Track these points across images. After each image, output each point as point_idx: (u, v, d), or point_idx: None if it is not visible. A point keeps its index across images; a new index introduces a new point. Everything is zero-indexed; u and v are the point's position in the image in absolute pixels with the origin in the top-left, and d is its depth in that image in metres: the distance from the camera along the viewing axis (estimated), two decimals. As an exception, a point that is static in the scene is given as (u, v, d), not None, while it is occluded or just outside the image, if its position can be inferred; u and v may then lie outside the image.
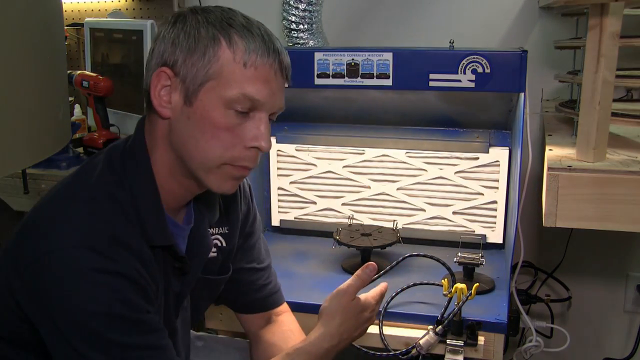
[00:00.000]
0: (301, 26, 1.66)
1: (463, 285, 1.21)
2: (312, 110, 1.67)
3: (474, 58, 1.38)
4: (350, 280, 1.09)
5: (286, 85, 0.93)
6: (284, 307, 1.22)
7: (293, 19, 1.66)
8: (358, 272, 1.09)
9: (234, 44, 0.86)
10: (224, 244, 1.10)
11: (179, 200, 0.96)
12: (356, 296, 1.09)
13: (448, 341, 1.23)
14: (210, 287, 1.10)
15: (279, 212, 1.78)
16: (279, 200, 1.77)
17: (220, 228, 1.09)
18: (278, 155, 1.74)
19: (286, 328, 1.17)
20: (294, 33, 1.67)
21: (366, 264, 1.09)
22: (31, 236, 0.85)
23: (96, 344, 0.82)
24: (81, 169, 0.93)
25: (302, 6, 1.65)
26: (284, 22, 1.68)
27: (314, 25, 1.68)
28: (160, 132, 0.92)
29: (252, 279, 1.17)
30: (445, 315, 1.24)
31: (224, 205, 1.09)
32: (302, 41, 1.68)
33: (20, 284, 0.84)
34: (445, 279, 1.27)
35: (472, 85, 1.39)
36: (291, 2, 1.65)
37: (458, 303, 1.22)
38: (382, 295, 1.14)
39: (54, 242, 0.82)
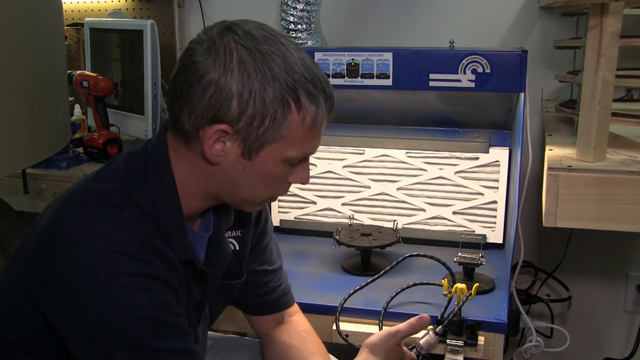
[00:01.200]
0: (299, 26, 1.67)
1: (463, 285, 1.21)
2: (312, 110, 1.67)
3: (474, 58, 1.38)
4: (402, 325, 1.14)
5: None
6: (295, 307, 1.22)
7: (291, 19, 1.66)
8: (412, 320, 1.14)
9: (304, 109, 0.85)
10: (237, 248, 1.09)
11: (197, 210, 0.96)
12: (402, 345, 1.14)
13: (448, 341, 1.23)
14: (225, 291, 1.09)
15: (279, 212, 1.77)
16: (279, 200, 1.77)
17: (234, 232, 1.08)
18: (278, 155, 1.74)
19: (301, 329, 1.17)
20: (293, 33, 1.67)
21: (420, 316, 1.15)
22: (54, 243, 0.83)
23: (131, 350, 0.81)
24: (98, 174, 0.92)
25: (300, 6, 1.65)
26: (282, 23, 1.68)
27: (312, 25, 1.68)
28: (201, 169, 0.89)
29: (264, 281, 1.17)
30: (445, 315, 1.24)
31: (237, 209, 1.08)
32: (300, 41, 1.68)
33: (43, 291, 0.83)
34: (445, 279, 1.27)
35: (472, 85, 1.39)
36: (289, 2, 1.66)
37: (458, 303, 1.21)
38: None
39: (83, 249, 0.80)
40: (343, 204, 1.72)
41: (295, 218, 1.77)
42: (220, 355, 1.26)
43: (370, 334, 1.28)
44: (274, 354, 1.16)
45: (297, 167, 0.92)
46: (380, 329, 1.28)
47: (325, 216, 1.75)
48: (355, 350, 1.25)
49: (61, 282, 0.81)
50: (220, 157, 0.86)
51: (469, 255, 1.38)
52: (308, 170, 0.94)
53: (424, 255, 1.39)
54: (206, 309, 1.05)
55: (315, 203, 1.74)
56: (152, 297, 0.82)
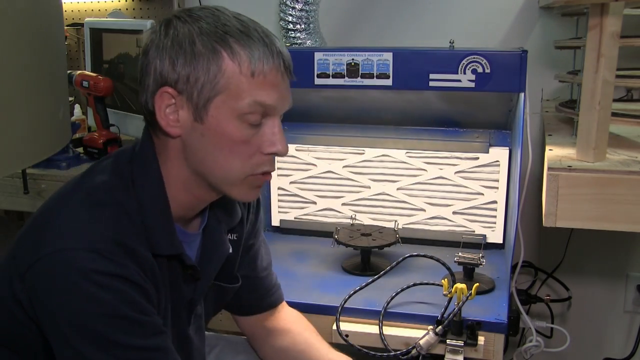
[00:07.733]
0: (298, 26, 1.67)
1: (463, 285, 1.21)
2: (312, 110, 1.67)
3: (474, 58, 1.38)
4: None
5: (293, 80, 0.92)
6: (283, 303, 1.23)
7: (290, 19, 1.66)
8: None
9: (237, 55, 0.84)
10: (232, 251, 1.07)
11: (192, 209, 0.95)
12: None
13: (448, 341, 1.23)
14: (220, 294, 1.08)
15: (279, 212, 1.77)
16: (279, 200, 1.77)
17: (232, 235, 1.07)
18: (278, 155, 1.73)
19: (292, 315, 1.21)
20: (291, 33, 1.67)
21: None
22: (32, 238, 0.84)
23: (100, 346, 0.81)
24: (87, 173, 0.92)
25: (298, 6, 1.65)
26: (281, 23, 1.68)
27: (311, 25, 1.68)
28: (173, 150, 0.90)
29: (256, 286, 1.17)
30: (445, 315, 1.24)
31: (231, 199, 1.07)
32: (299, 41, 1.68)
33: (22, 286, 0.83)
34: (445, 279, 1.27)
35: (472, 85, 1.39)
36: (288, 2, 1.65)
37: (458, 303, 1.21)
38: None
39: (55, 244, 0.81)
40: (343, 204, 1.72)
41: (295, 218, 1.77)
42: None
43: (370, 334, 1.28)
44: (273, 346, 1.17)
45: (262, 129, 0.88)
46: (380, 329, 1.28)
47: (325, 216, 1.75)
48: (355, 351, 1.25)
49: (35, 276, 0.81)
50: (177, 126, 0.87)
51: (469, 255, 1.38)
52: (278, 132, 0.88)
53: (424, 255, 1.39)
54: (199, 309, 1.04)
55: (315, 203, 1.74)
56: (121, 296, 0.82)
